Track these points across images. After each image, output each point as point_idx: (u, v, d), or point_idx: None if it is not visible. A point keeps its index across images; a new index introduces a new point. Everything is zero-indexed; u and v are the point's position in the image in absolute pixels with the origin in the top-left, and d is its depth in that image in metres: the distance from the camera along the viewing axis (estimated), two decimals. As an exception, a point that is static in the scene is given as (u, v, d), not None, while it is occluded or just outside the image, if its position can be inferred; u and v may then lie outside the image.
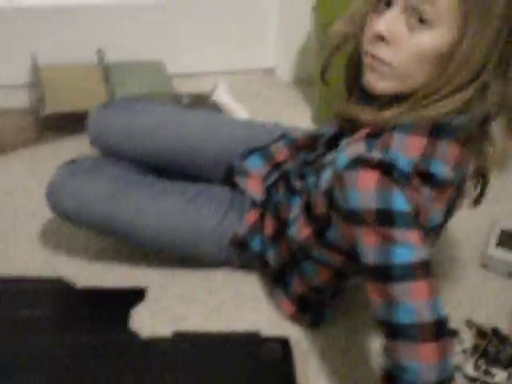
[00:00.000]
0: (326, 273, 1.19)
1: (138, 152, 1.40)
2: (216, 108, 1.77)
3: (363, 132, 1.06)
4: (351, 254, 1.09)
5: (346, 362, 1.23)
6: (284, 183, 1.28)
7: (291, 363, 1.21)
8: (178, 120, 1.42)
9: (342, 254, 1.14)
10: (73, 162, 1.34)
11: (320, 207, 1.12)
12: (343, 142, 1.09)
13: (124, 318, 1.27)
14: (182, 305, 1.31)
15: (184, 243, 1.32)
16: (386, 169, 1.00)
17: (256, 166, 1.36)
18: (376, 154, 1.01)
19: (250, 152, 1.38)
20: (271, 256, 1.28)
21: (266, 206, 1.30)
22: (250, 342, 1.25)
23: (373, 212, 0.99)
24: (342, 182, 1.02)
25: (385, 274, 0.98)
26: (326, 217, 1.11)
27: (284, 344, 1.24)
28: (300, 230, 1.17)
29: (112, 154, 1.41)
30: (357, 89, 1.14)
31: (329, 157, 1.13)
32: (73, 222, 1.32)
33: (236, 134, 1.41)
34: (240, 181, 1.35)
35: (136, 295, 1.32)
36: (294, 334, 1.26)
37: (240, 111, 1.76)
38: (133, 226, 1.30)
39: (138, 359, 1.21)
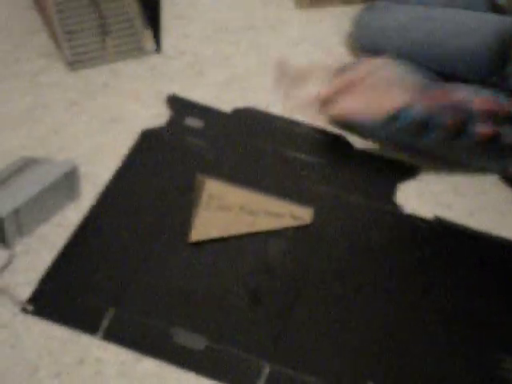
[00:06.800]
0: None
1: (393, 50, 1.39)
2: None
3: None
4: None
5: None
6: None
7: (545, 283, 1.19)
8: (426, 16, 1.42)
9: None
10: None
11: None
12: None
13: (391, 189, 1.31)
14: (450, 194, 1.31)
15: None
16: None
17: None
18: None
19: None
20: None
21: None
22: (510, 250, 1.23)
23: None
24: None
25: None
26: None
27: (543, 262, 1.22)
28: None
29: (373, 53, 1.42)
30: None
31: None
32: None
33: (483, 27, 1.35)
34: None
35: (407, 171, 1.34)
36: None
37: None
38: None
39: (394, 229, 1.24)
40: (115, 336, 1.07)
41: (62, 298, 1.11)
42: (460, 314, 1.14)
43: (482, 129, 1.23)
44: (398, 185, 1.32)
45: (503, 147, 1.21)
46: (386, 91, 1.12)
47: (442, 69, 1.41)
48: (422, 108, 1.15)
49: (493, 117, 1.16)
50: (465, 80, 1.38)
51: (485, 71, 1.37)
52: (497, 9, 1.50)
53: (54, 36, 1.46)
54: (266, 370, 1.05)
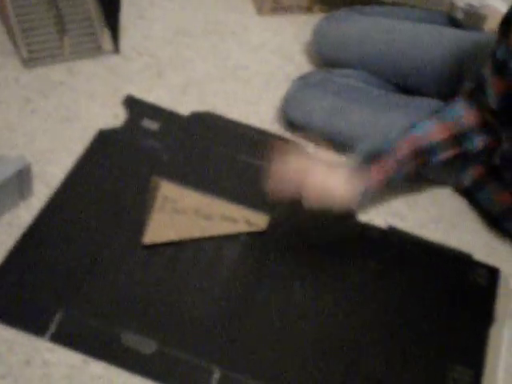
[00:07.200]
0: None
1: (352, 60, 1.44)
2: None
3: None
4: None
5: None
6: None
7: (494, 294, 1.20)
8: (386, 28, 1.44)
9: None
10: (305, 75, 1.41)
11: None
12: None
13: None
14: (404, 205, 1.32)
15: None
16: None
17: None
18: None
19: None
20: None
21: None
22: (460, 261, 1.24)
23: None
24: None
25: None
26: None
27: (493, 274, 1.23)
28: None
29: (333, 63, 1.47)
30: None
31: None
32: (301, 132, 1.38)
33: (441, 41, 1.38)
34: None
35: (362, 181, 1.35)
36: (505, 269, 1.25)
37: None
38: (356, 139, 1.33)
39: (348, 238, 1.25)
40: (63, 338, 1.05)
41: (11, 298, 1.08)
42: (411, 324, 1.15)
43: (475, 170, 1.27)
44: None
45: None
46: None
47: (399, 81, 1.42)
48: (375, 186, 1.15)
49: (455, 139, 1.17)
50: (421, 93, 1.40)
51: (441, 85, 1.38)
52: (455, 23, 1.53)
53: (10, 32, 1.43)
54: (217, 376, 1.04)
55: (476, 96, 1.19)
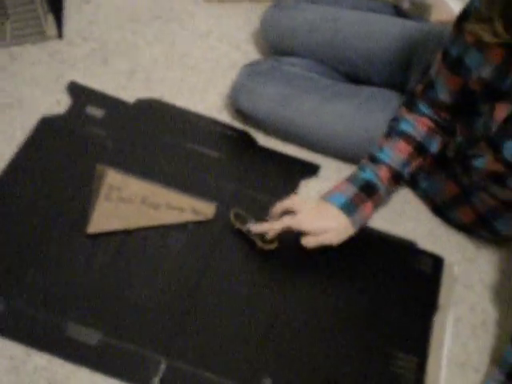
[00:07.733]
0: None
1: (300, 49, 1.44)
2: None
3: None
4: None
5: (493, 299, 1.22)
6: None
7: (438, 281, 1.22)
8: (334, 16, 1.43)
9: None
10: (253, 63, 1.40)
11: None
12: None
13: (293, 186, 1.31)
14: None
15: (353, 147, 1.33)
16: None
17: None
18: None
19: None
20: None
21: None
22: (405, 249, 1.26)
23: None
24: None
25: None
26: None
27: (437, 262, 1.25)
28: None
29: (281, 51, 1.46)
30: None
31: None
32: (249, 120, 1.37)
33: (389, 31, 1.39)
34: None
35: (309, 169, 1.35)
36: (449, 257, 1.27)
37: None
38: (304, 128, 1.34)
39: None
40: (5, 329, 1.03)
41: (-51, 289, 1.06)
42: (355, 312, 1.16)
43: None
44: (300, 182, 1.32)
45: None
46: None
47: (348, 70, 1.42)
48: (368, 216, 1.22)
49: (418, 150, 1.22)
50: (371, 82, 1.40)
51: (390, 75, 1.39)
52: (401, 13, 1.54)
53: (-52, 15, 1.39)
54: (163, 366, 1.03)
55: (426, 94, 1.20)
